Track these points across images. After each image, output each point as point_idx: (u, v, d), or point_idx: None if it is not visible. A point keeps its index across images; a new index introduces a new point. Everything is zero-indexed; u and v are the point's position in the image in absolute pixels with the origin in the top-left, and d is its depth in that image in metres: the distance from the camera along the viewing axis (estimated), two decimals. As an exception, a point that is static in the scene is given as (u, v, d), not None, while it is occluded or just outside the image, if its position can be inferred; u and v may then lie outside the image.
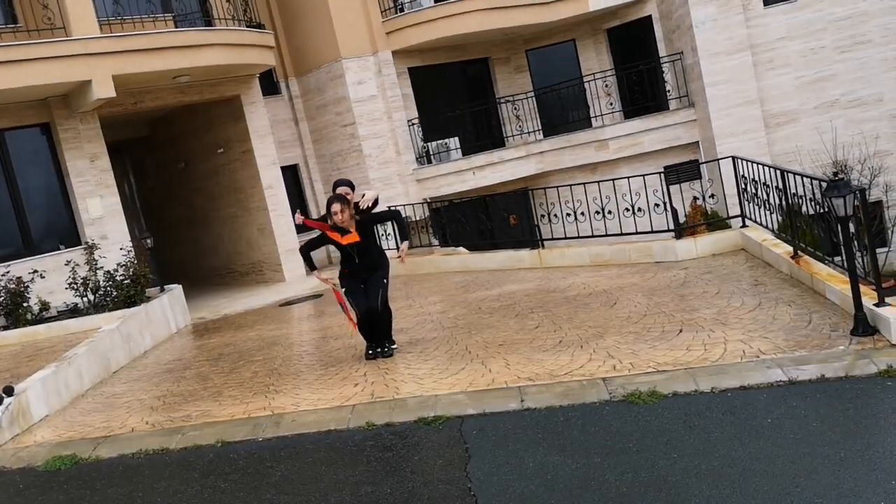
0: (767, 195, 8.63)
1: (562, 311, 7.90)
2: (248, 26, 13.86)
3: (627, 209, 10.27)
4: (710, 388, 5.21)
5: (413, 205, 14.56)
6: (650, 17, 16.88)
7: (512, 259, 11.36)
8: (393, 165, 15.98)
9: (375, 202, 7.57)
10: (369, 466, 4.98)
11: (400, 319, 9.03)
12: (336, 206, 7.05)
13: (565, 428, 5.05)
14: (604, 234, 10.55)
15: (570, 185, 11.26)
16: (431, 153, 16.37)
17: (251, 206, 14.99)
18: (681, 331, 6.47)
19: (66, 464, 5.85)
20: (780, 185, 7.99)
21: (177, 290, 11.57)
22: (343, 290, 7.37)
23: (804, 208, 7.64)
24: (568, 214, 10.78)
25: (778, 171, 8.04)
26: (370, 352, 7.37)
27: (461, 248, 13.22)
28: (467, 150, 16.60)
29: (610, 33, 17.64)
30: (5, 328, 10.39)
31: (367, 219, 7.39)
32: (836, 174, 6.22)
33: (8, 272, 10.67)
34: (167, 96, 13.44)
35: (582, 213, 10.70)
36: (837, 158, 14.51)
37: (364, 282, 7.30)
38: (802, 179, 7.46)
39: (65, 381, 7.69)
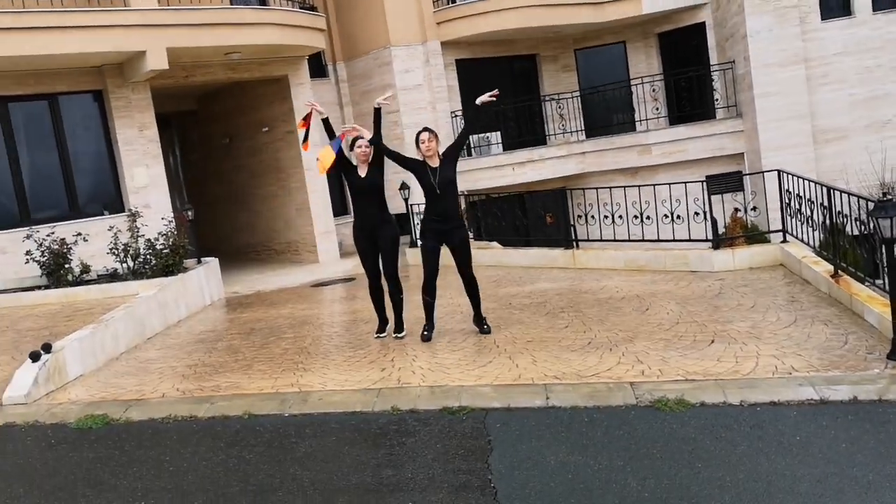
0: (811, 212, 8.52)
1: (592, 313, 7.89)
2: (301, 8, 13.98)
3: (666, 216, 10.18)
4: (740, 401, 5.18)
5: (451, 196, 14.57)
6: (704, 23, 16.70)
7: (545, 257, 11.35)
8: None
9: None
10: (392, 450, 5.03)
11: (431, 309, 9.08)
12: (424, 135, 7.15)
13: (589, 429, 5.06)
14: (640, 239, 10.49)
15: (610, 188, 11.19)
16: (472, 146, 16.39)
17: (291, 187, 15.14)
18: (713, 341, 6.43)
19: (98, 423, 5.99)
20: (826, 203, 7.88)
21: (213, 263, 11.74)
22: (420, 244, 7.42)
23: (848, 227, 7.54)
24: (605, 217, 10.72)
25: (824, 188, 7.94)
26: (425, 332, 7.40)
27: (495, 243, 13.22)
28: (508, 146, 16.59)
29: (661, 37, 17.49)
30: (47, 287, 10.63)
31: (450, 152, 7.32)
32: (885, 195, 6.11)
33: (53, 233, 10.90)
34: (217, 72, 13.61)
35: (620, 217, 10.64)
36: (885, 180, 14.24)
37: (442, 241, 7.27)
38: (849, 198, 7.35)
39: (101, 342, 7.86)
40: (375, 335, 7.84)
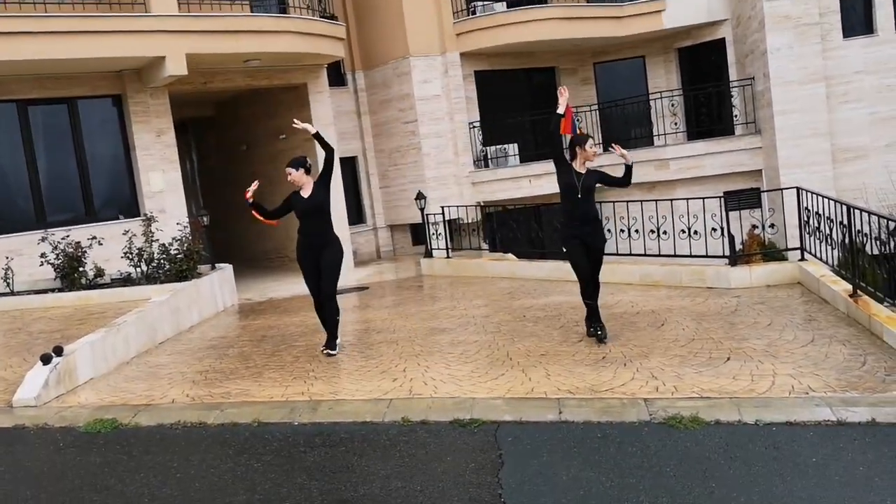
0: (830, 230, 8.43)
1: (607, 328, 7.79)
2: (321, 16, 14.02)
3: (683, 231, 10.11)
4: (755, 421, 5.09)
5: (466, 207, 14.57)
6: (723, 39, 16.62)
7: (560, 270, 11.24)
8: (450, 166, 16.01)
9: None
10: (401, 462, 4.98)
11: (443, 320, 9.05)
12: (592, 142, 7.37)
13: (602, 444, 4.98)
14: (656, 253, 10.42)
15: (627, 202, 11.12)
16: (489, 157, 16.36)
17: (306, 194, 15.12)
18: (728, 359, 6.34)
19: (107, 427, 5.97)
20: (845, 221, 7.79)
21: (227, 269, 11.75)
22: (564, 250, 7.49)
23: (868, 247, 7.44)
24: (621, 231, 10.66)
25: (844, 207, 7.84)
26: (599, 332, 7.26)
27: (510, 255, 13.17)
28: (525, 158, 16.54)
29: (681, 53, 17.43)
30: (60, 290, 10.66)
31: (596, 173, 7.53)
32: (905, 214, 6.03)
33: (68, 236, 10.93)
34: (236, 79, 13.66)
35: (636, 231, 10.57)
36: (906, 200, 14.09)
37: (585, 244, 7.30)
38: (869, 217, 7.26)
39: (112, 346, 7.86)
40: (321, 350, 7.82)
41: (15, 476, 5.25)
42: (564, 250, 7.47)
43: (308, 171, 7.68)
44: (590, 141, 7.35)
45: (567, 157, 7.42)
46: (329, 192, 7.66)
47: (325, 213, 7.61)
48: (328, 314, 7.73)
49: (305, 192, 7.61)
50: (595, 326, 7.35)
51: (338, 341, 7.79)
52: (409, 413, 5.72)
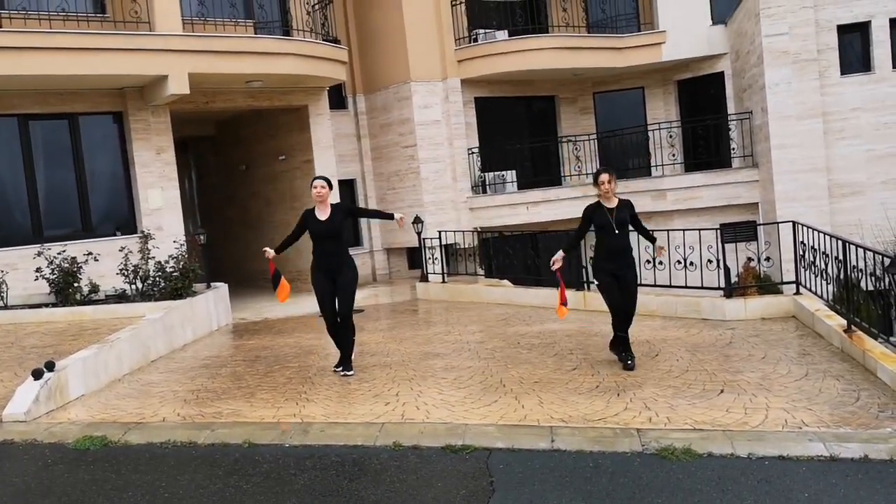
0: (826, 265, 8.46)
1: (601, 356, 7.80)
2: (324, 40, 14.12)
3: (679, 262, 10.13)
4: (748, 454, 5.07)
5: (463, 232, 14.60)
6: (722, 73, 16.80)
7: (556, 297, 11.25)
8: (448, 191, 16.07)
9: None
10: (392, 487, 4.95)
11: (437, 345, 9.03)
12: (605, 177, 7.21)
13: (594, 474, 4.96)
14: (652, 283, 10.42)
15: (624, 232, 11.15)
16: (487, 183, 16.43)
17: (304, 215, 15.14)
18: (722, 391, 6.34)
19: (96, 445, 5.93)
20: (840, 257, 7.82)
21: (222, 288, 11.72)
22: (597, 283, 7.49)
23: (863, 283, 7.46)
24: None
25: (839, 242, 7.87)
26: (629, 362, 7.22)
27: (505, 281, 13.19)
28: (523, 185, 16.61)
29: (680, 85, 17.58)
30: (54, 305, 10.63)
31: (629, 205, 7.48)
32: (900, 251, 6.06)
33: (64, 251, 10.91)
34: (238, 99, 13.73)
35: (632, 260, 10.58)
36: (901, 237, 14.14)
37: (618, 278, 7.29)
38: (864, 253, 7.28)
39: (104, 363, 7.83)
40: (334, 369, 7.87)
41: (1, 492, 5.20)
42: (596, 283, 7.52)
43: (331, 189, 7.70)
44: (604, 176, 7.27)
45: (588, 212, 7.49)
46: (345, 217, 7.70)
47: (341, 236, 7.62)
48: (344, 334, 7.73)
49: (322, 214, 7.56)
50: (625, 354, 7.33)
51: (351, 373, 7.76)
52: (400, 438, 5.69)
